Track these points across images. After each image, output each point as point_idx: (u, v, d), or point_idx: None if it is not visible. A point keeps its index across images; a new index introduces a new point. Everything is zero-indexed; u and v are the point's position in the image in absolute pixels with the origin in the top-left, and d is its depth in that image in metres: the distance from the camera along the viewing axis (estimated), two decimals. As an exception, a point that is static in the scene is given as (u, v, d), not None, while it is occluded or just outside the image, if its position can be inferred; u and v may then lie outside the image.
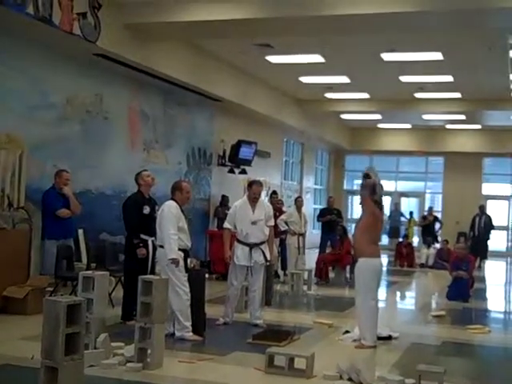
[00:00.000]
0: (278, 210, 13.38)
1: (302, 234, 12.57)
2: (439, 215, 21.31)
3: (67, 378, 4.29)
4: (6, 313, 7.75)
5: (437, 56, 12.40)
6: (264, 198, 17.66)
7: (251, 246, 7.86)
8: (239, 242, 7.91)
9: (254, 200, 7.96)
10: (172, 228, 6.92)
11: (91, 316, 6.02)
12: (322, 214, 15.03)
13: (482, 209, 19.12)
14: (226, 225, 8.08)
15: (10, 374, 5.45)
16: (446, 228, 19.82)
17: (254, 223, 7.90)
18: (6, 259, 7.88)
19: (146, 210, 7.93)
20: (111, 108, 11.47)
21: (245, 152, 15.67)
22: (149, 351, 5.69)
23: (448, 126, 21.80)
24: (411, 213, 22.16)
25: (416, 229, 21.65)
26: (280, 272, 12.91)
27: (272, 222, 8.20)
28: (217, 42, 12.05)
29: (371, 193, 7.20)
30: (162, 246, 7.03)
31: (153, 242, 7.75)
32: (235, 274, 7.95)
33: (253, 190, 8.03)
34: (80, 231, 10.13)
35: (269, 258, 8.05)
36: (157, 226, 7.16)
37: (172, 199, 7.22)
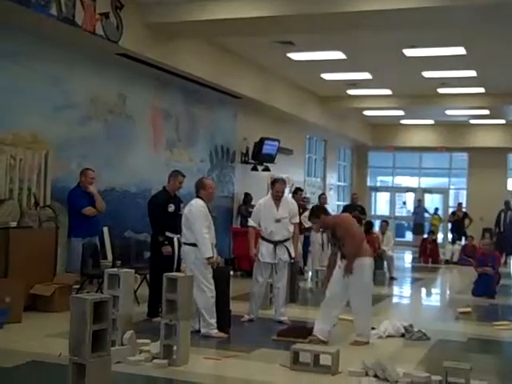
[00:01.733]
0: (301, 207, 13.40)
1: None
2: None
3: (95, 375, 4.33)
4: (34, 310, 7.85)
5: (460, 51, 12.29)
6: (287, 194, 17.76)
7: (275, 244, 7.88)
8: (264, 239, 7.94)
9: (277, 198, 7.98)
10: (204, 227, 6.96)
11: (117, 313, 6.09)
12: (346, 211, 14.95)
13: (508, 204, 18.93)
14: (251, 223, 8.11)
15: (38, 370, 5.53)
16: (471, 224, 19.64)
17: (278, 221, 7.92)
18: (32, 257, 7.98)
19: (171, 207, 7.98)
20: (134, 107, 11.54)
21: (268, 147, 15.67)
22: (174, 348, 5.73)
23: (472, 122, 21.59)
24: (436, 209, 21.97)
25: (442, 225, 21.48)
26: (306, 268, 12.94)
27: (297, 220, 8.20)
28: (238, 40, 12.05)
29: (323, 213, 7.17)
30: (187, 244, 7.06)
31: (178, 239, 7.79)
32: (260, 271, 7.97)
33: (276, 188, 8.05)
34: (105, 229, 10.21)
35: (293, 256, 8.06)
36: (183, 223, 7.18)
37: (198, 197, 7.24)
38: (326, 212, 7.31)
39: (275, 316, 7.98)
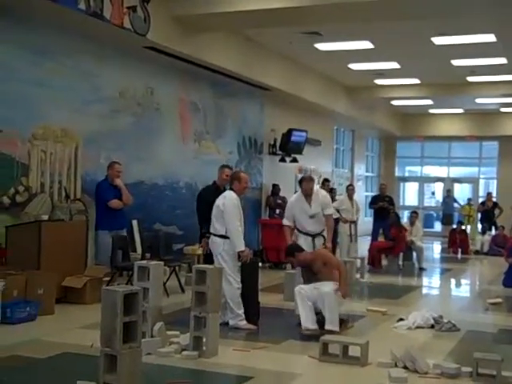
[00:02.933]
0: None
1: (354, 222, 12.54)
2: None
3: (126, 366, 4.38)
4: (66, 302, 7.95)
5: (489, 38, 12.13)
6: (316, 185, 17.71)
7: (313, 236, 7.89)
8: (300, 231, 7.94)
9: (307, 195, 7.98)
10: (237, 220, 7.00)
11: (147, 305, 6.14)
12: (374, 201, 14.93)
13: None
14: (285, 222, 8.12)
15: (71, 361, 5.61)
16: (502, 214, 19.39)
17: (312, 217, 7.95)
18: (64, 250, 8.07)
19: None
20: (162, 100, 11.60)
21: (296, 138, 15.67)
22: (204, 340, 5.77)
23: (502, 110, 21.32)
24: (469, 199, 21.60)
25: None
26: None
27: (330, 211, 8.17)
28: (265, 32, 12.03)
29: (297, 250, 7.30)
30: (216, 235, 7.07)
31: None
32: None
33: (303, 187, 8.08)
34: (134, 222, 10.30)
35: (328, 246, 8.03)
36: (213, 215, 7.16)
37: (231, 189, 7.27)
38: (299, 249, 7.31)
39: None
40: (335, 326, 6.63)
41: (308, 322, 6.67)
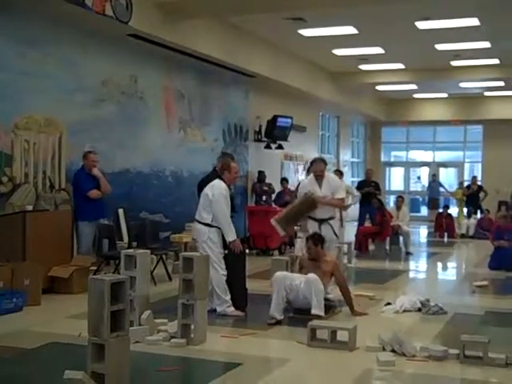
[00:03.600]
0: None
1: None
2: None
3: (114, 354, 4.37)
4: (52, 292, 7.93)
5: (473, 22, 12.14)
6: (302, 172, 17.72)
7: (320, 222, 7.84)
8: (308, 216, 7.91)
9: (318, 177, 7.95)
10: (227, 210, 7.00)
11: (135, 294, 6.13)
12: (360, 187, 14.99)
13: None
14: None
15: (59, 351, 5.60)
16: (487, 197, 19.48)
17: None
18: (50, 240, 8.05)
19: None
20: (146, 88, 11.53)
21: (282, 123, 15.66)
22: (192, 327, 5.77)
23: (486, 94, 21.40)
24: (460, 183, 21.24)
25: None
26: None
27: (340, 195, 8.02)
28: (249, 18, 11.96)
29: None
30: (201, 223, 7.06)
31: None
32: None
33: (313, 167, 8.10)
34: (120, 210, 10.25)
35: (338, 234, 8.01)
36: (200, 203, 7.15)
37: (220, 178, 7.24)
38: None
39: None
40: (321, 311, 6.63)
41: (275, 311, 6.64)
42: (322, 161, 8.13)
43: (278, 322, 6.61)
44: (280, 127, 15.66)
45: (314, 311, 6.60)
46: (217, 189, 7.07)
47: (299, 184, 8.66)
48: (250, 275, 8.39)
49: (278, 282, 6.75)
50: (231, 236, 7.00)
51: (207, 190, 7.17)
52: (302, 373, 5.25)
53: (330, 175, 8.37)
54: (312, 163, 8.25)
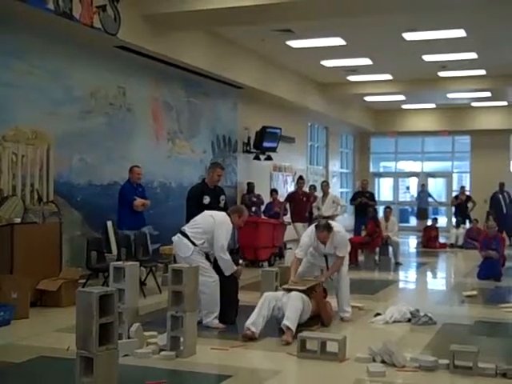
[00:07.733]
0: (305, 196, 13.42)
1: (330, 217, 12.55)
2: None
3: (102, 368, 4.34)
4: (41, 306, 7.88)
5: (460, 33, 12.24)
6: (291, 183, 17.73)
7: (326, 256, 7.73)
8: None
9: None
10: (226, 243, 6.94)
11: (123, 306, 6.09)
12: (355, 198, 15.06)
13: (503, 186, 18.67)
14: (298, 254, 7.64)
15: (47, 365, 5.55)
16: (475, 207, 19.53)
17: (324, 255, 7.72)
18: (38, 253, 7.99)
19: (206, 199, 7.90)
20: (134, 100, 11.51)
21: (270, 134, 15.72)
22: (181, 339, 5.74)
23: (474, 104, 21.54)
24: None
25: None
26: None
27: (342, 253, 7.65)
28: (237, 30, 12.01)
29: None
30: (189, 240, 6.96)
31: None
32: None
33: (318, 235, 7.51)
34: (109, 223, 10.21)
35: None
36: (202, 223, 7.04)
37: (228, 215, 7.15)
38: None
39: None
40: (291, 324, 6.32)
41: (252, 324, 6.41)
42: (325, 227, 7.48)
43: (253, 339, 6.32)
44: (270, 133, 15.66)
45: (284, 322, 6.36)
46: (226, 224, 7.02)
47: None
48: (240, 287, 8.35)
49: (267, 303, 6.59)
50: (231, 270, 6.99)
51: (217, 216, 7.08)
52: (292, 384, 5.23)
53: (336, 233, 7.60)
54: (316, 228, 7.51)
